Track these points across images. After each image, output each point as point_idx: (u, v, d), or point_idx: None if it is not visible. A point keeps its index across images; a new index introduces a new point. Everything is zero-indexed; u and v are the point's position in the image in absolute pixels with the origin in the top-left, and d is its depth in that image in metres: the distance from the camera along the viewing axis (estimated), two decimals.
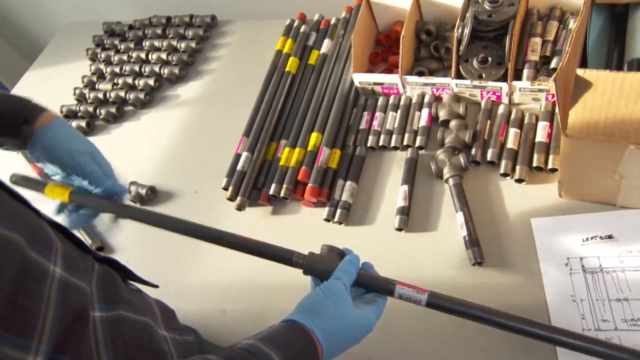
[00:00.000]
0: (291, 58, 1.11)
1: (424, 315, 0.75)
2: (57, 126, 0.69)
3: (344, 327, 0.53)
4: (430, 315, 0.75)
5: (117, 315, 0.54)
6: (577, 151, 0.66)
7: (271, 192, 0.94)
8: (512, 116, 0.87)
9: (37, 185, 0.71)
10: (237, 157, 1.02)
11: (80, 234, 1.06)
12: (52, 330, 0.43)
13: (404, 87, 0.96)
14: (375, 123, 0.96)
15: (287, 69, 1.10)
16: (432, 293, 0.58)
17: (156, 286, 0.77)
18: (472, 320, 0.58)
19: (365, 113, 0.98)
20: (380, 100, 0.98)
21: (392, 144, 0.93)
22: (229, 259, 0.93)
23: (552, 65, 0.85)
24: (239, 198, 0.95)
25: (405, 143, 0.92)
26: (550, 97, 0.84)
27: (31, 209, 0.51)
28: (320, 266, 0.58)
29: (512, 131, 0.85)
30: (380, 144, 0.93)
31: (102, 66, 1.37)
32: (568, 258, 0.73)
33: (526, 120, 0.85)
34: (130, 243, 1.03)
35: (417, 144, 0.91)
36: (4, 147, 0.70)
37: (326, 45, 1.12)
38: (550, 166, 0.80)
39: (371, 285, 0.59)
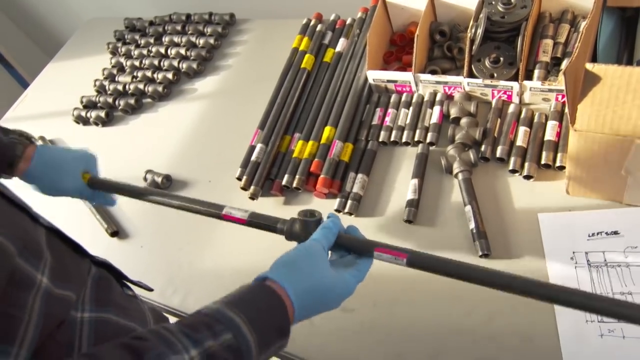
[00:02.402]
0: (307, 55, 1.14)
1: (432, 304, 0.78)
2: (39, 163, 0.73)
3: (319, 286, 0.52)
4: (438, 303, 0.77)
5: (105, 318, 0.56)
6: (585, 146, 0.68)
7: (284, 182, 0.96)
8: (522, 115, 0.89)
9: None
10: (252, 148, 1.04)
11: (96, 219, 1.09)
12: (33, 337, 0.45)
13: (416, 85, 0.98)
14: (387, 119, 0.98)
15: (302, 66, 1.13)
16: (412, 255, 0.55)
17: (150, 289, 0.80)
18: (457, 278, 0.55)
19: (378, 109, 1.00)
20: (393, 97, 1.01)
21: (404, 140, 0.95)
22: (239, 246, 0.96)
23: (563, 66, 0.87)
24: (252, 187, 0.98)
25: (416, 139, 0.94)
26: (560, 97, 0.86)
27: (29, 215, 0.53)
28: (298, 230, 0.60)
29: (522, 129, 0.87)
30: (392, 139, 0.96)
31: (122, 60, 1.41)
32: (574, 252, 0.75)
33: (536, 119, 0.87)
34: (145, 228, 1.06)
35: (428, 140, 0.93)
36: None
37: (341, 44, 1.15)
38: (558, 164, 0.81)
39: (351, 248, 0.59)
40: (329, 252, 0.58)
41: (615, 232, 0.74)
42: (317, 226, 0.58)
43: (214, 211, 0.69)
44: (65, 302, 0.51)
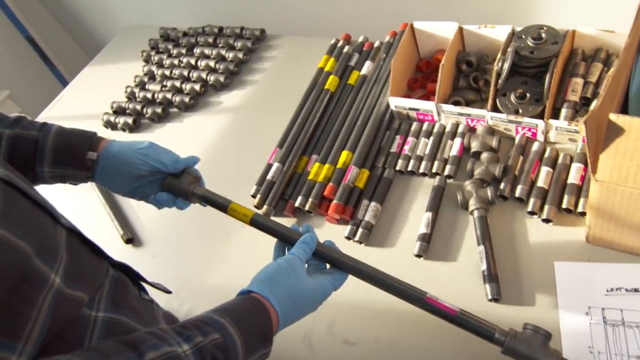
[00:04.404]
0: (331, 76, 1.14)
1: (435, 343, 0.75)
2: (114, 145, 0.73)
3: (299, 294, 0.57)
4: (441, 344, 0.75)
5: (118, 320, 0.57)
6: (606, 197, 0.64)
7: (297, 204, 0.96)
8: (546, 154, 0.85)
9: (220, 202, 0.73)
10: (269, 167, 1.04)
11: (113, 225, 1.11)
12: (39, 335, 0.46)
13: (438, 115, 0.96)
14: (406, 147, 0.96)
15: (326, 87, 1.13)
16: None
17: (169, 292, 0.80)
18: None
19: (398, 137, 0.99)
20: (414, 125, 0.99)
21: (421, 170, 0.93)
22: (248, 264, 0.95)
23: (592, 107, 0.83)
24: (265, 206, 0.98)
25: (434, 170, 0.92)
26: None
27: (50, 214, 0.54)
28: (523, 347, 0.59)
29: (544, 170, 0.83)
30: (409, 168, 0.94)
31: (154, 68, 1.44)
32: (589, 307, 0.71)
33: (560, 160, 0.84)
34: (160, 238, 1.07)
35: (446, 173, 0.90)
36: (68, 181, 0.73)
37: (367, 67, 1.14)
38: (580, 209, 0.78)
39: (328, 261, 0.65)
40: (306, 263, 0.63)
41: (636, 290, 0.70)
42: (545, 342, 0.60)
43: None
44: (75, 302, 0.52)
